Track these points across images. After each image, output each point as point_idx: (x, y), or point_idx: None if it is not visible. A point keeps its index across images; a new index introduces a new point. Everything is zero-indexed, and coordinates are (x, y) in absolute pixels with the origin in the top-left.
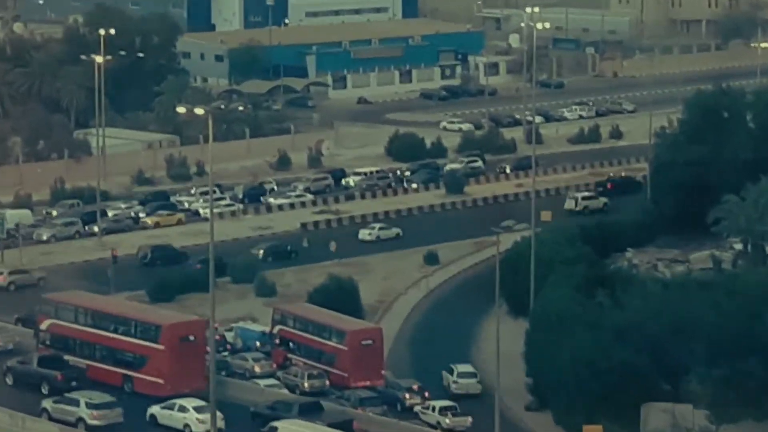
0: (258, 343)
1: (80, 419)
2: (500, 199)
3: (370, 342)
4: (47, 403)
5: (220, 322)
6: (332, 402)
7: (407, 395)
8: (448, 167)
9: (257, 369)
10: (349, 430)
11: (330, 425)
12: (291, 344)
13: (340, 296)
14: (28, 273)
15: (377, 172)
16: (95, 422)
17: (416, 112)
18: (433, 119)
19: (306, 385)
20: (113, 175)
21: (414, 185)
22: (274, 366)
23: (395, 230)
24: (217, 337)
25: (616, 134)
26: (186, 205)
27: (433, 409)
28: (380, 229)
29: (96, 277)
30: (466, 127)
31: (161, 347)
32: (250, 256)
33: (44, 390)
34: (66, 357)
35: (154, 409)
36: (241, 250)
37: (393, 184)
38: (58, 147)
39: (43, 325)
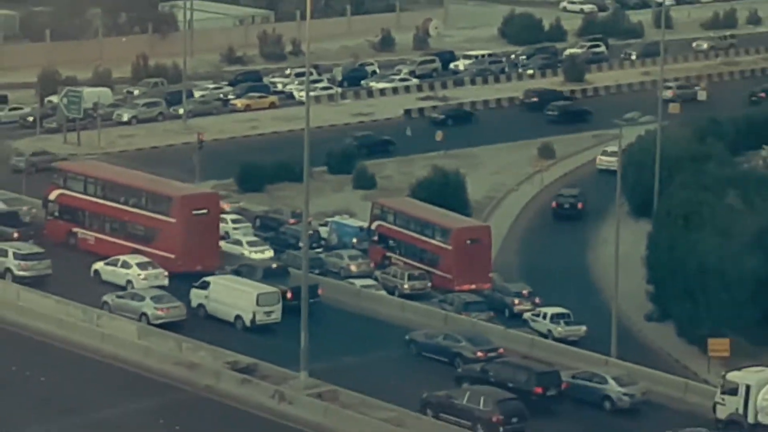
0: (354, 240)
1: (8, 270)
2: (624, 88)
3: (477, 241)
4: None
5: (313, 216)
6: (434, 306)
7: (516, 301)
8: (567, 52)
9: (353, 268)
10: (315, 296)
11: (293, 289)
12: (390, 242)
13: (446, 191)
14: None
15: (489, 55)
16: (23, 273)
17: None
18: None
19: (406, 286)
20: (201, 52)
21: (529, 71)
22: (372, 265)
23: None
24: (309, 231)
25: (755, 20)
26: (280, 87)
27: (544, 316)
28: None
29: (180, 164)
30: (588, 8)
31: (173, 220)
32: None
33: None
34: (75, 229)
35: (98, 265)
36: (339, 137)
37: (506, 70)
38: (141, 20)
39: (52, 196)
